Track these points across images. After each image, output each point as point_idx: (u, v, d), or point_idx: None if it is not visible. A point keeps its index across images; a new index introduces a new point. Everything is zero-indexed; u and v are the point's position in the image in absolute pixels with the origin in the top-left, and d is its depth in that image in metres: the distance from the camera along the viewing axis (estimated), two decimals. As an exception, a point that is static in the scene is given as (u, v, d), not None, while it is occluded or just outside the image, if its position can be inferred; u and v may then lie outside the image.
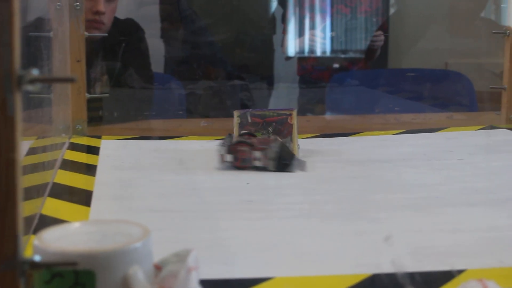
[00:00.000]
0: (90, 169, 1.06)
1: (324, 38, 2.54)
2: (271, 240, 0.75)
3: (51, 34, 1.19)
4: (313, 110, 1.24)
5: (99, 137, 1.30)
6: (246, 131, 1.11)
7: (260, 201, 0.90)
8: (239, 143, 1.05)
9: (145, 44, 1.97)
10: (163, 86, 2.14)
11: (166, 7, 2.45)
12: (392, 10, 2.76)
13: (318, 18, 2.57)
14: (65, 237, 0.53)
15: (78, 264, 0.48)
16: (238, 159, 1.05)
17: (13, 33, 0.41)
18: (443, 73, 2.56)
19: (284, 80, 2.59)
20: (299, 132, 1.14)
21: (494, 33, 1.50)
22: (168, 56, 2.46)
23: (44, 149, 1.08)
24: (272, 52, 2.58)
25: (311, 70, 2.53)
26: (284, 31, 2.56)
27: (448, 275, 0.62)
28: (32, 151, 1.06)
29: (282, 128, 1.11)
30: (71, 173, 1.04)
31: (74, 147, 1.23)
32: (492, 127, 1.45)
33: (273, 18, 2.62)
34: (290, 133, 1.11)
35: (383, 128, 1.46)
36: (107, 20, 1.73)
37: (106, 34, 1.68)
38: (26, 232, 0.69)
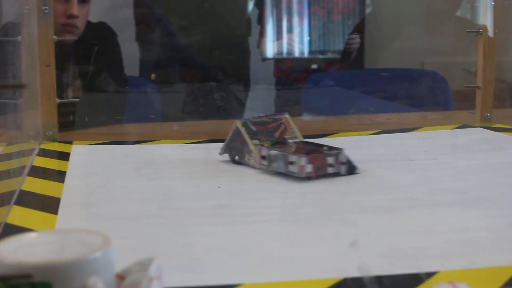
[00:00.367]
0: (59, 176, 1.04)
1: (301, 40, 2.54)
2: (241, 246, 0.73)
3: (19, 38, 1.17)
4: (290, 112, 1.22)
5: (70, 143, 1.28)
6: (279, 140, 1.09)
7: (231, 206, 0.88)
8: (292, 151, 1.02)
9: (118, 48, 1.95)
10: (138, 90, 2.12)
11: (141, 10, 2.44)
12: (368, 10, 2.76)
13: (295, 20, 2.56)
14: (23, 248, 0.51)
15: (35, 276, 0.47)
16: (314, 168, 1.00)
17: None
18: (419, 73, 2.56)
19: (261, 82, 2.58)
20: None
21: (468, 32, 1.50)
22: (143, 59, 2.44)
23: (10, 156, 1.06)
24: (248, 53, 2.57)
25: (288, 72, 2.52)
26: (261, 33, 2.54)
27: (419, 278, 0.61)
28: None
29: (276, 131, 1.10)
30: (39, 180, 1.02)
31: (44, 153, 1.21)
32: (467, 126, 1.44)
33: (249, 19, 2.60)
34: (282, 137, 1.10)
35: (359, 128, 1.46)
36: (80, 23, 1.71)
37: (76, 38, 1.67)
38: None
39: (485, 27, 1.47)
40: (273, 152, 1.02)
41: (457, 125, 1.45)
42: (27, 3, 1.24)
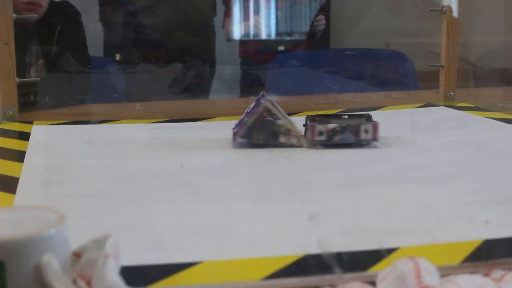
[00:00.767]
0: (18, 155, 1.02)
1: (267, 21, 2.52)
2: (202, 224, 0.72)
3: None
4: (255, 92, 1.22)
5: (31, 123, 1.26)
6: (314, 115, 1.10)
7: (192, 184, 0.87)
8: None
9: (81, 27, 1.92)
10: (102, 70, 2.10)
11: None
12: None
13: (261, 1, 2.54)
14: (-25, 225, 0.50)
15: (-14, 254, 0.46)
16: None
17: None
18: (384, 53, 2.57)
19: (227, 63, 2.57)
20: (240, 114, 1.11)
21: (431, 10, 1.50)
22: (107, 39, 2.42)
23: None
24: (213, 34, 2.55)
25: (254, 53, 2.51)
26: (226, 14, 2.53)
27: (380, 254, 0.61)
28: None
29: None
30: (-2, 159, 1.00)
31: (3, 133, 1.18)
32: (430, 105, 1.45)
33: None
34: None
35: (323, 108, 1.45)
36: (44, 2, 1.70)
37: (36, 16, 1.64)
38: None
39: (449, 7, 1.47)
40: (338, 125, 1.05)
41: (421, 104, 1.45)
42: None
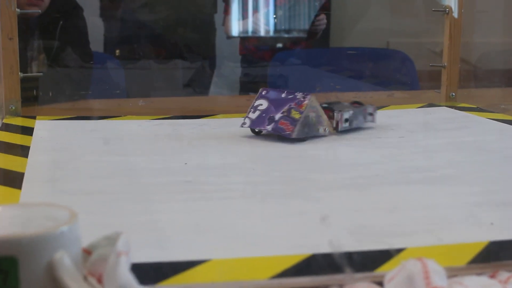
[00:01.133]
0: (22, 151, 1.02)
1: (267, 19, 2.52)
2: (208, 222, 0.73)
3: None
4: (255, 89, 1.22)
5: (34, 118, 1.26)
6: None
7: (197, 182, 0.88)
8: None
9: (83, 22, 1.92)
10: (102, 66, 2.10)
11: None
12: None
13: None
14: (-14, 222, 0.50)
15: None
16: None
17: None
18: (385, 52, 2.57)
19: (227, 60, 2.57)
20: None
21: (434, 11, 1.50)
22: (108, 35, 2.42)
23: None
24: (214, 31, 2.55)
25: (254, 50, 2.51)
26: (226, 11, 2.52)
27: (388, 254, 0.62)
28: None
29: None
30: (2, 154, 1.00)
31: (7, 127, 1.18)
32: (432, 105, 1.45)
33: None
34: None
35: (325, 107, 1.45)
36: None
37: (39, 11, 1.64)
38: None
39: (451, 8, 1.47)
40: (353, 112, 1.14)
41: (423, 104, 1.46)
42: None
